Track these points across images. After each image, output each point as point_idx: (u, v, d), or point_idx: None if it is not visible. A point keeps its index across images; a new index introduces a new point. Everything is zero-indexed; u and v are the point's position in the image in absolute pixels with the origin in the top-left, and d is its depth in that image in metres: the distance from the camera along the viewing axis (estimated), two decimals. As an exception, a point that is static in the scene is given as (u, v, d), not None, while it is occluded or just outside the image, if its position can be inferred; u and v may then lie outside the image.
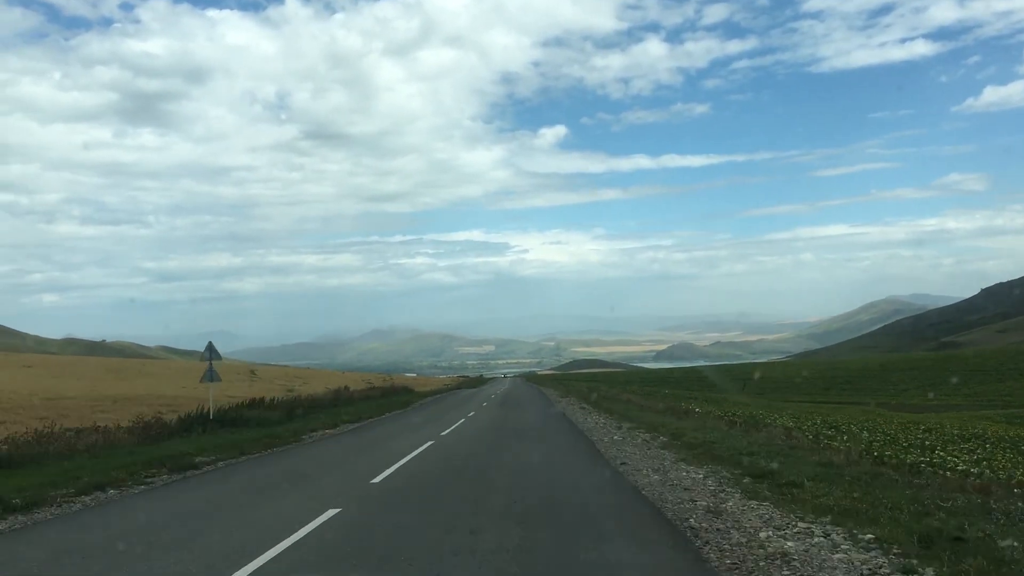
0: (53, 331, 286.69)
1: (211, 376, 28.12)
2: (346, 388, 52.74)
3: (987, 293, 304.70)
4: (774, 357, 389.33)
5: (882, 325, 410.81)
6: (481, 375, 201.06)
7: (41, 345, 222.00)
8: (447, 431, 25.78)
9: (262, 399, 33.69)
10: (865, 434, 22.27)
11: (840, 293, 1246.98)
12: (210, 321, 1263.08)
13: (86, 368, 67.33)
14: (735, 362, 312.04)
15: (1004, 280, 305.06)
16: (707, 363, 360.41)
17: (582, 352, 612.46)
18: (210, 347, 28.44)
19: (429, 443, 21.22)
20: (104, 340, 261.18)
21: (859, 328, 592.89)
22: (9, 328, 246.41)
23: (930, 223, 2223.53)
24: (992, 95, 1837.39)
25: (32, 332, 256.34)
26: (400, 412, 40.36)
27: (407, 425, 30.48)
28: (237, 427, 26.37)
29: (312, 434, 25.95)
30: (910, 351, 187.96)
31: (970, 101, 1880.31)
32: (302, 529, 9.71)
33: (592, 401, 43.75)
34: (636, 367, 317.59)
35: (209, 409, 27.31)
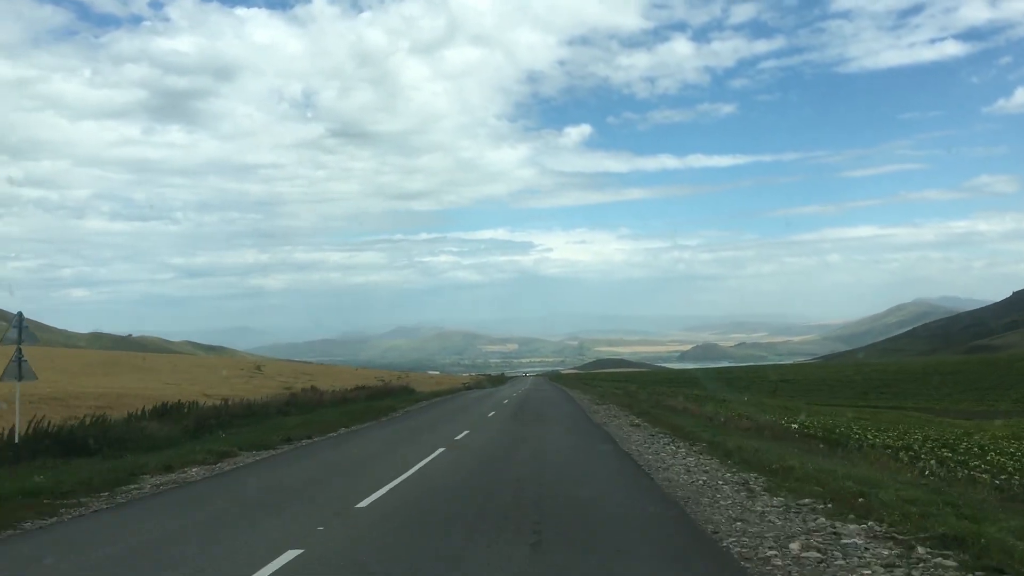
0: (83, 325, 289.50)
1: (18, 370, 16.76)
2: (315, 391, 41.61)
3: (1019, 296, 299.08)
4: (800, 359, 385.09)
5: (911, 328, 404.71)
6: (503, 373, 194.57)
7: (69, 339, 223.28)
8: (366, 501, 11.93)
9: (177, 404, 25.22)
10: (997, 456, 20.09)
11: (867, 295, 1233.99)
12: (236, 317, 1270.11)
13: (70, 362, 62.43)
14: (761, 363, 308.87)
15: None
16: (732, 364, 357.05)
17: (606, 352, 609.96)
18: (19, 322, 17.11)
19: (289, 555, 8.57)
20: (131, 335, 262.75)
21: (886, 331, 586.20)
22: (37, 322, 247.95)
23: (960, 225, 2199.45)
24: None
25: (62, 327, 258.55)
26: (364, 427, 28.26)
27: (331, 465, 17.29)
28: (69, 456, 16.69)
29: (146, 480, 14.62)
30: (941, 354, 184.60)
31: (1001, 102, 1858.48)
32: None
33: (641, 412, 31.86)
34: (660, 367, 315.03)
35: (15, 432, 16.54)
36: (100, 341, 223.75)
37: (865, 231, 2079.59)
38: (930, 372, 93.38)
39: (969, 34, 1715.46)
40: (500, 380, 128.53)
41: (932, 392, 78.12)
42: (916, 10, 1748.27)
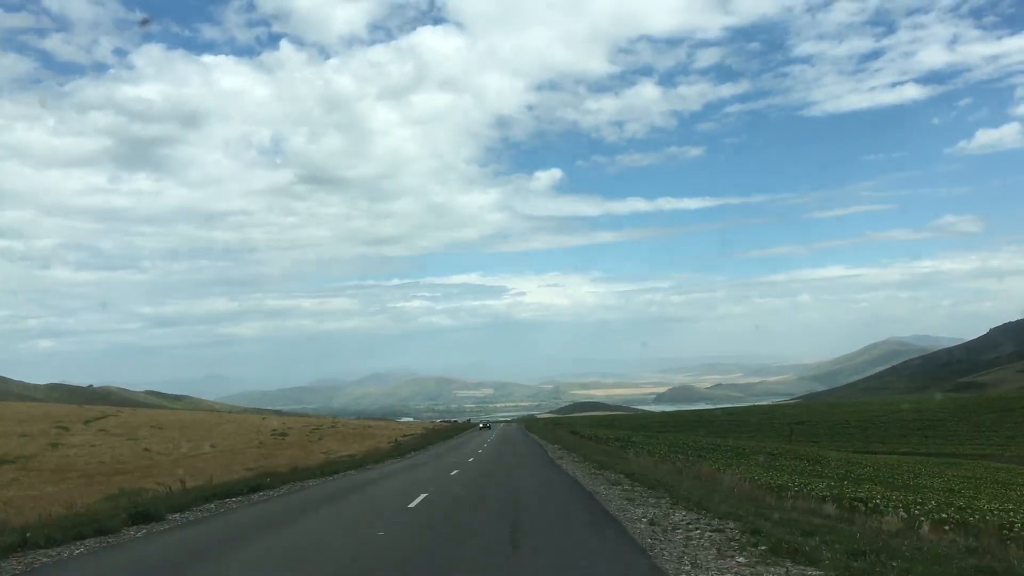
0: (48, 377, 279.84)
1: None
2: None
3: (997, 332, 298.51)
4: (777, 399, 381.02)
5: (887, 367, 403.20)
6: (468, 420, 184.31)
7: (26, 391, 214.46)
8: None
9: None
10: None
11: (839, 335, 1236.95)
12: (207, 366, 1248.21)
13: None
14: (739, 404, 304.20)
15: (1011, 320, 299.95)
16: (709, 405, 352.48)
17: (581, 394, 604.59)
18: None
19: None
20: (91, 385, 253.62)
21: (861, 369, 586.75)
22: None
23: (926, 264, 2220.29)
24: (984, 137, 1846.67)
25: (27, 379, 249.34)
26: None
27: None
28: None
29: None
30: (926, 392, 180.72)
31: (963, 143, 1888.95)
32: None
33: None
34: (637, 410, 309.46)
35: None
36: (57, 392, 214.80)
37: (834, 271, 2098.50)
38: (978, 410, 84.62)
39: (929, 77, 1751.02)
40: (458, 429, 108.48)
41: (988, 435, 70.28)
42: (876, 55, 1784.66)
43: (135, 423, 63.26)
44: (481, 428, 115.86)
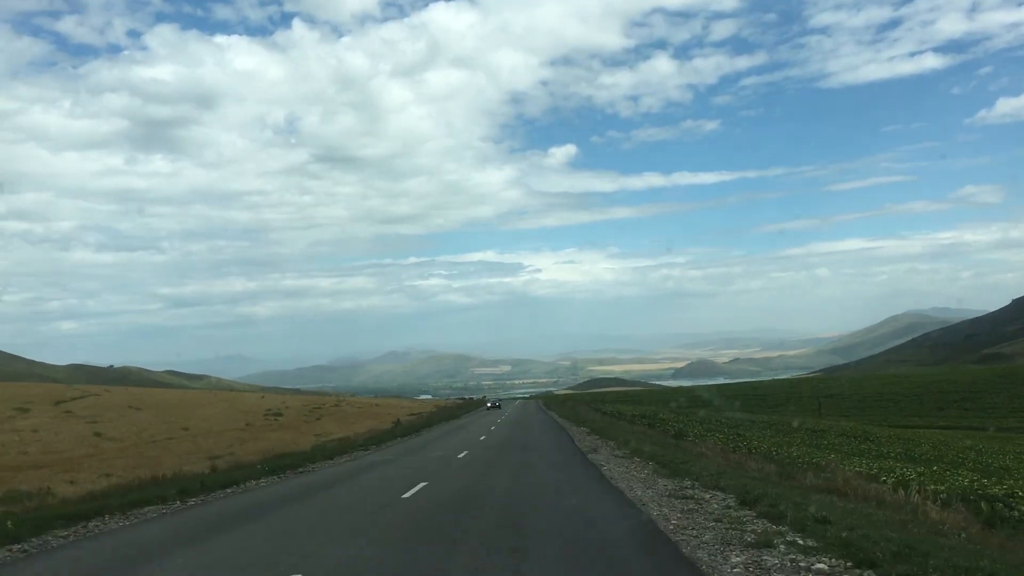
0: (72, 358, 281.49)
1: None
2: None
3: (1019, 303, 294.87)
4: (797, 373, 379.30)
5: (908, 339, 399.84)
6: (484, 397, 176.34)
7: (47, 372, 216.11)
8: None
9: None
10: None
11: (858, 308, 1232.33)
12: (227, 346, 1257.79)
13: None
14: (756, 379, 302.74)
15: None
16: (727, 380, 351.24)
17: (599, 370, 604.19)
18: None
19: None
20: (112, 366, 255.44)
21: (880, 342, 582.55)
22: (15, 355, 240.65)
23: (946, 236, 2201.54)
24: (1005, 106, 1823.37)
25: (52, 360, 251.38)
26: None
27: None
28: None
29: None
30: (953, 363, 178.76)
31: (983, 113, 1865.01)
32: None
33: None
34: (656, 385, 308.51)
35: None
36: (78, 373, 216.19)
37: (853, 244, 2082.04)
38: (1015, 381, 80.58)
39: (948, 47, 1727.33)
40: (470, 407, 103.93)
41: (999, 407, 67.26)
42: (894, 24, 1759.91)
43: (109, 404, 59.80)
44: (489, 408, 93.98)
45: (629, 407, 60.82)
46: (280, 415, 61.47)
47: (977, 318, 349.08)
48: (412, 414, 69.14)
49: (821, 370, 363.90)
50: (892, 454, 29.44)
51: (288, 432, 44.07)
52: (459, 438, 37.27)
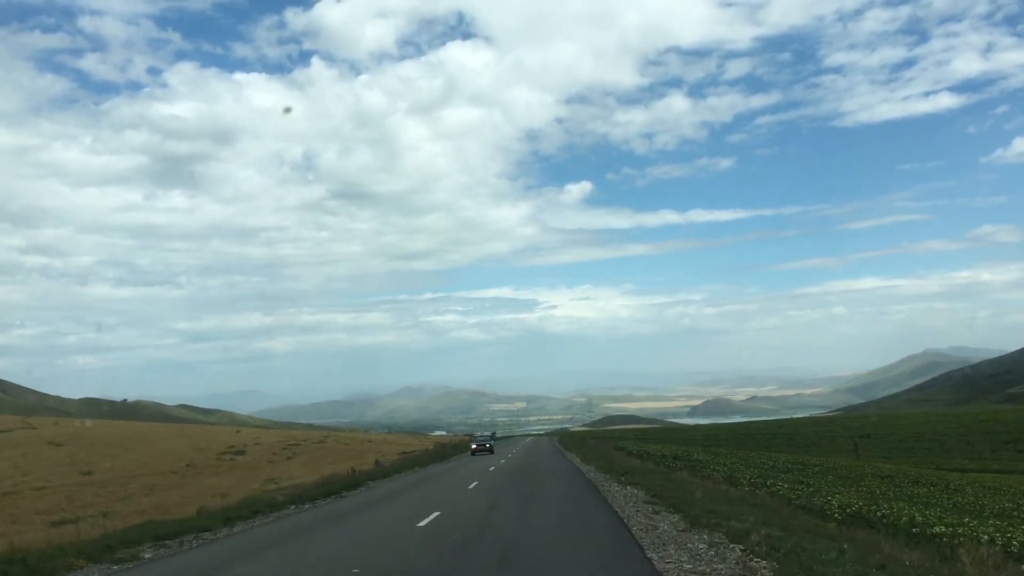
0: (88, 392, 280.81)
1: None
2: None
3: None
4: (815, 412, 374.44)
5: (927, 379, 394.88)
6: (494, 434, 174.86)
7: (61, 405, 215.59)
8: None
9: None
10: None
11: (874, 347, 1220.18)
12: (243, 380, 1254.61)
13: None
14: (779, 417, 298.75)
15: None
16: (744, 418, 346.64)
17: (613, 408, 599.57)
18: None
19: None
20: (126, 400, 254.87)
21: (898, 382, 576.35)
22: (28, 388, 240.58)
23: (963, 275, 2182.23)
24: (1021, 145, 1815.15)
25: (66, 394, 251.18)
26: None
27: None
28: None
29: None
30: (978, 403, 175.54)
31: (999, 152, 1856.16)
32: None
33: None
34: (672, 423, 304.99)
35: None
36: (91, 407, 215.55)
37: (869, 283, 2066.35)
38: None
39: (963, 86, 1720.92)
40: (446, 453, 74.46)
41: None
42: (909, 64, 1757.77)
43: (24, 440, 55.55)
44: (475, 452, 66.07)
45: (654, 446, 57.29)
46: (243, 453, 56.24)
47: (998, 357, 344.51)
48: (404, 452, 64.00)
49: (839, 409, 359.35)
50: (992, 510, 25.04)
51: (235, 475, 39.66)
52: (436, 487, 31.31)
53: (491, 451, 66.62)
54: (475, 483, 31.50)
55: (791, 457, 47.14)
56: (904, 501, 24.32)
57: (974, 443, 72.02)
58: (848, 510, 18.49)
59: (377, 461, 46.81)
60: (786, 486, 24.10)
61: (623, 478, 27.83)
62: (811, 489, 23.67)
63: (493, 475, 36.51)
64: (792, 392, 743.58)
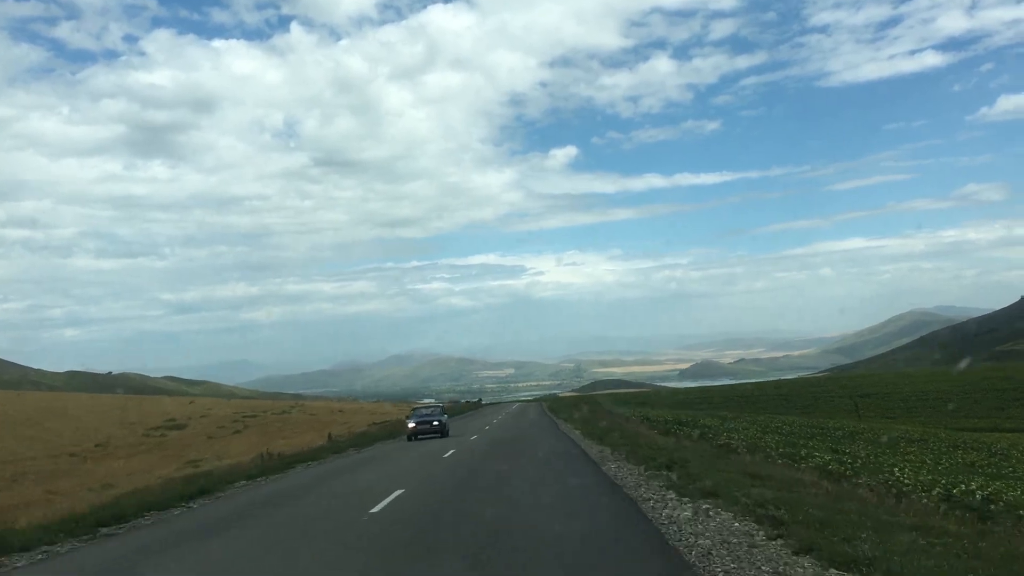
0: (73, 365, 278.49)
1: None
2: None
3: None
4: (803, 373, 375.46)
5: (914, 338, 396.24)
6: (479, 400, 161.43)
7: (44, 379, 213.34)
8: None
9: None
10: None
11: (862, 307, 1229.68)
12: (231, 351, 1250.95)
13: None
14: (763, 379, 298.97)
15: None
16: (732, 381, 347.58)
17: (602, 373, 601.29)
18: None
19: None
20: (111, 372, 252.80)
21: (885, 341, 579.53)
22: (11, 363, 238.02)
23: (949, 234, 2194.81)
24: (1006, 104, 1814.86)
25: (51, 368, 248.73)
26: None
27: None
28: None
29: None
30: (961, 362, 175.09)
31: (984, 110, 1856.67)
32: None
33: None
34: (661, 386, 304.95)
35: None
36: (75, 380, 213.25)
37: (855, 243, 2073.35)
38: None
39: (948, 44, 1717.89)
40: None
41: None
42: (894, 22, 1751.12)
43: None
44: (414, 433, 42.43)
45: (648, 410, 54.29)
46: (182, 428, 49.87)
47: (984, 316, 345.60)
48: (375, 423, 56.19)
49: (827, 370, 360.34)
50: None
51: (152, 456, 34.33)
52: (385, 471, 24.41)
53: (443, 433, 41.93)
54: (430, 470, 23.51)
55: (804, 420, 44.83)
56: (982, 475, 21.57)
57: (980, 401, 70.42)
58: (950, 495, 14.13)
59: (330, 435, 41.43)
60: (822, 457, 20.79)
61: (692, 486, 14.79)
62: (859, 462, 20.79)
63: (449, 463, 25.30)
64: (780, 354, 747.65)
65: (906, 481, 15.98)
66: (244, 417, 59.10)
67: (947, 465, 23.92)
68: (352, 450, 36.41)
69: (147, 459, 33.96)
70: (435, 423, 42.29)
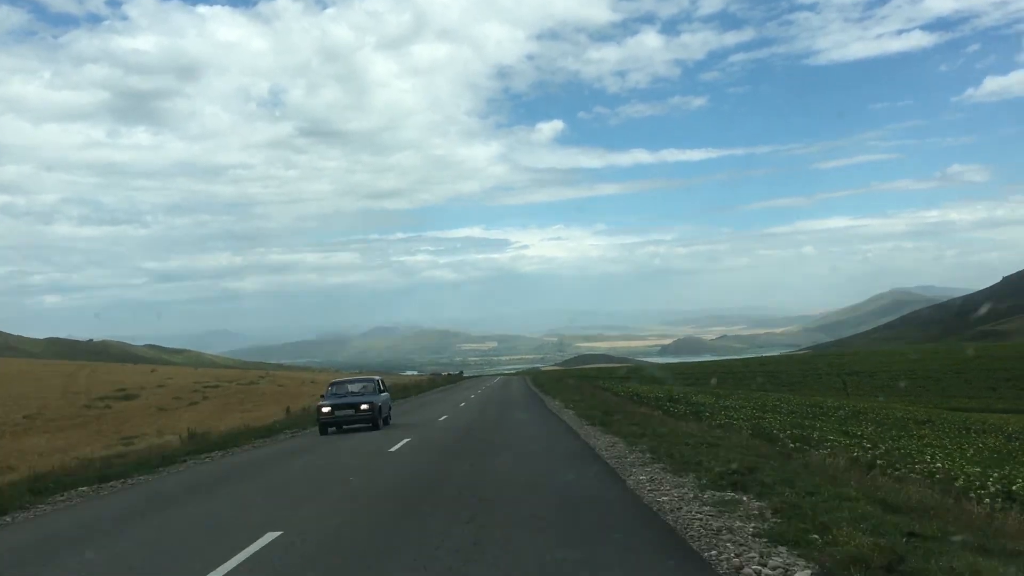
0: (55, 332, 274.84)
1: None
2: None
3: (1009, 281, 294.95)
4: (785, 350, 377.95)
5: (896, 317, 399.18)
6: (461, 373, 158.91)
7: (23, 345, 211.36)
8: None
9: None
10: None
11: (843, 285, 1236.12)
12: (215, 320, 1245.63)
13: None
14: (744, 355, 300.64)
15: (1020, 269, 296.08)
16: (715, 357, 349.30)
17: (585, 347, 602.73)
18: None
19: None
20: (91, 340, 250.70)
21: (866, 320, 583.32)
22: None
23: (932, 215, 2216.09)
24: (992, 85, 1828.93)
25: (31, 335, 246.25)
26: None
27: None
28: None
29: None
30: (948, 340, 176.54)
31: (970, 91, 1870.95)
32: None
33: None
34: (643, 362, 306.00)
35: None
36: (55, 347, 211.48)
37: (838, 222, 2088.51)
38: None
39: (936, 24, 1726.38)
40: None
41: None
42: (882, 1, 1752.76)
43: None
44: (326, 420, 27.90)
45: (634, 385, 54.12)
46: (133, 398, 46.35)
47: (965, 296, 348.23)
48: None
49: (809, 347, 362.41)
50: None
51: (85, 431, 30.80)
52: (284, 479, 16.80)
53: (374, 422, 28.47)
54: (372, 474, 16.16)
55: (799, 399, 44.05)
56: (1018, 464, 19.71)
57: (971, 380, 69.49)
58: (1009, 492, 12.28)
59: (288, 409, 37.78)
60: (842, 442, 18.71)
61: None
62: (883, 448, 18.56)
63: (396, 466, 17.55)
64: (762, 331, 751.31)
65: (953, 475, 13.84)
66: (206, 388, 55.37)
67: (974, 452, 22.61)
68: (286, 432, 29.95)
69: (76, 434, 30.11)
70: (363, 407, 28.30)
